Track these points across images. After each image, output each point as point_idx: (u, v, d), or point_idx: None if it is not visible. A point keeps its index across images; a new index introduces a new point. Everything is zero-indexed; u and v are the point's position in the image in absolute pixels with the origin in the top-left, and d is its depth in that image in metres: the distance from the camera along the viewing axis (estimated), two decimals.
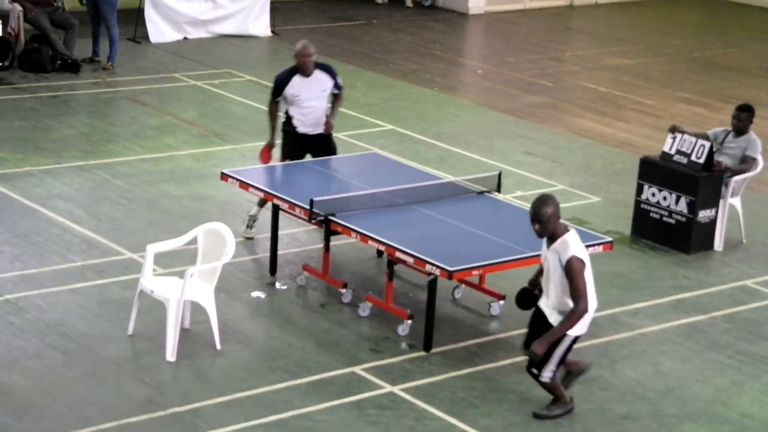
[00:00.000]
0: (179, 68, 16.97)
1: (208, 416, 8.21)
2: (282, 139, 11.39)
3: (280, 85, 11.19)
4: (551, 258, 8.08)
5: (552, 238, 8.08)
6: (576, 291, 7.99)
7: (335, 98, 11.47)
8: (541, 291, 8.39)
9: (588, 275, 8.09)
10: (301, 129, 11.27)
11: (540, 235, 8.11)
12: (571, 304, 8.04)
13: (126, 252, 10.75)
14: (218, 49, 18.29)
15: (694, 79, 18.50)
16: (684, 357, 9.61)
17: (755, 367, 9.50)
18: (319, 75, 11.23)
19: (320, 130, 11.29)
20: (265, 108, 11.63)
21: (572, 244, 8.04)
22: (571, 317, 8.02)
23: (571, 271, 7.95)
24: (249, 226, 11.21)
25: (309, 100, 11.18)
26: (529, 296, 8.53)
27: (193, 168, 13.09)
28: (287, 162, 11.20)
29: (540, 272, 8.43)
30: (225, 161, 13.17)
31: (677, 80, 18.36)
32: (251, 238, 11.15)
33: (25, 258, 10.50)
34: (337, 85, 11.34)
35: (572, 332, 8.13)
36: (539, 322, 8.30)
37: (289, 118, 11.30)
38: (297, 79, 11.14)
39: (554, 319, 8.17)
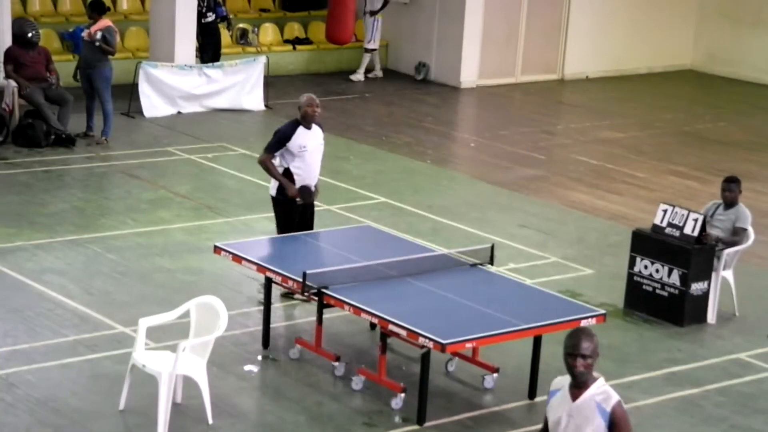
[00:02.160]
0: (173, 142, 17.04)
1: None
2: (276, 209, 11.40)
3: (285, 136, 11.21)
4: (581, 415, 6.29)
5: (582, 385, 6.31)
6: None
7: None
8: None
9: None
10: (298, 184, 11.32)
11: (583, 375, 6.26)
12: None
13: (118, 326, 10.71)
14: (212, 123, 18.38)
15: (685, 152, 18.60)
16: (679, 431, 9.55)
17: None
18: (315, 127, 11.42)
19: (313, 183, 11.39)
20: (258, 166, 11.61)
21: (611, 389, 6.41)
22: None
23: (621, 419, 6.36)
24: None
25: (314, 152, 11.34)
26: None
27: (186, 241, 13.09)
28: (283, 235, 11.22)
29: None
30: (218, 234, 13.17)
31: (668, 153, 18.45)
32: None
33: (16, 333, 10.46)
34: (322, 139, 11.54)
35: None
36: None
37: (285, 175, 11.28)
38: (302, 131, 11.26)
39: None
